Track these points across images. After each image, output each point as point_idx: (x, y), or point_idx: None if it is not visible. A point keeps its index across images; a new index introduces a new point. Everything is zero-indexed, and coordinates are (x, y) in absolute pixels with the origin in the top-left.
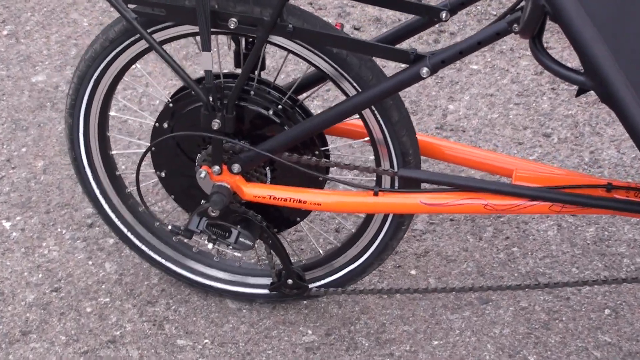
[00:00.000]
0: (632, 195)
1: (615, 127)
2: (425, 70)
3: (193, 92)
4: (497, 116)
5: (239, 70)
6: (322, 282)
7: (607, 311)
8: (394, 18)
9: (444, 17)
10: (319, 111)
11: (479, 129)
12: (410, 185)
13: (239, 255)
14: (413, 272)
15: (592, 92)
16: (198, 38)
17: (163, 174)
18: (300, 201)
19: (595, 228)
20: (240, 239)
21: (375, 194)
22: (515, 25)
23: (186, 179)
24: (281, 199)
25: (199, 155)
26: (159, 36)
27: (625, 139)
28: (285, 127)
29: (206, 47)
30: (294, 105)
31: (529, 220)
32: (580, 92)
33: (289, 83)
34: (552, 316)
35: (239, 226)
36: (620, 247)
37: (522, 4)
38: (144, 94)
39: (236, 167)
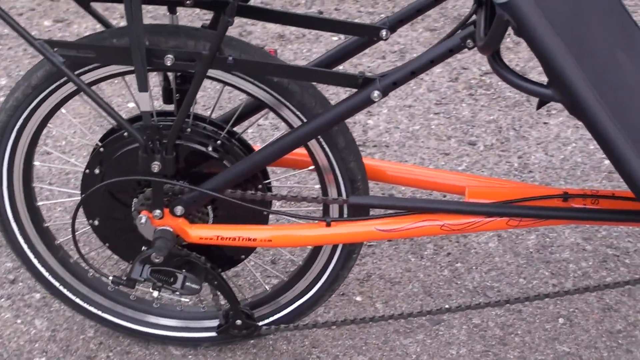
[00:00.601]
0: (588, 202)
1: (539, 129)
2: (376, 93)
3: (126, 134)
4: (419, 128)
5: (169, 107)
6: (272, 318)
7: (561, 320)
8: (298, 34)
9: (384, 35)
10: (256, 138)
11: (403, 142)
12: (360, 212)
13: (187, 300)
14: (358, 298)
15: (509, 94)
16: (128, 77)
17: (96, 222)
18: (250, 239)
19: (536, 235)
20: (187, 283)
21: (328, 225)
22: (469, 41)
23: (122, 226)
24: (229, 238)
25: (135, 200)
26: (86, 78)
27: (552, 141)
28: (225, 162)
29: (143, 87)
30: (233, 139)
31: (468, 234)
32: (540, 105)
33: (223, 116)
34: (507, 331)
35: (183, 270)
36: (564, 253)
37: (473, 18)
38: (67, 139)
39: (179, 210)
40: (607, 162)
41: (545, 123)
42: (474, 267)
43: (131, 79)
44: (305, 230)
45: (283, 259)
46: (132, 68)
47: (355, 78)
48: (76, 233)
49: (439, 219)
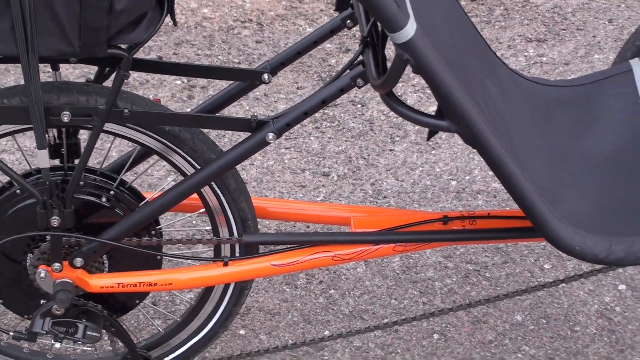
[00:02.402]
0: (467, 223)
1: (387, 156)
2: (271, 135)
3: (19, 192)
4: (273, 163)
5: (56, 162)
6: (167, 358)
7: (435, 336)
8: (141, 79)
9: (266, 79)
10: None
11: (260, 178)
12: (251, 250)
13: (91, 348)
14: (242, 332)
15: (353, 125)
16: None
17: None
18: (150, 284)
19: (400, 258)
20: (88, 332)
21: (226, 264)
22: (359, 80)
23: (15, 282)
24: (130, 284)
25: (30, 255)
26: None
27: (400, 166)
28: (117, 211)
29: (42, 144)
30: (124, 188)
31: None
32: (431, 135)
33: (112, 165)
34: (387, 350)
35: (83, 320)
36: (428, 272)
37: (360, 58)
38: None
39: (79, 261)
40: (454, 183)
41: (391, 150)
42: (347, 293)
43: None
44: (204, 271)
45: (163, 299)
46: (24, 127)
47: (249, 122)
48: None
49: (329, 250)
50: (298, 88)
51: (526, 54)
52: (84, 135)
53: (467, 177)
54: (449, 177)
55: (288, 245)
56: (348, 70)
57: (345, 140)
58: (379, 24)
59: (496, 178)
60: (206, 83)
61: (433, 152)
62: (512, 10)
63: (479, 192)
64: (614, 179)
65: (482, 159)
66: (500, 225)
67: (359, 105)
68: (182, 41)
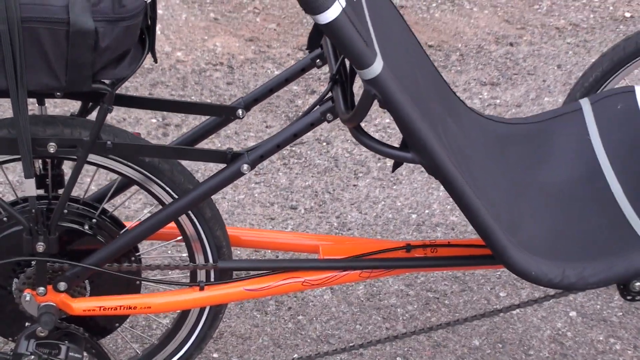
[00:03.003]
0: (428, 252)
1: (351, 190)
2: (245, 166)
3: (6, 219)
4: (244, 197)
5: (40, 192)
6: None
7: (398, 359)
8: (119, 118)
9: (240, 114)
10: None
11: (232, 211)
12: (225, 276)
13: None
14: (215, 355)
15: (319, 162)
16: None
17: None
18: (130, 307)
19: (364, 286)
20: (70, 353)
21: (202, 289)
22: (329, 115)
23: (0, 305)
24: (111, 308)
25: (15, 280)
26: None
27: (363, 200)
28: (99, 238)
29: (29, 174)
30: (105, 216)
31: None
32: (395, 167)
33: (94, 195)
34: None
35: (66, 341)
36: (391, 299)
37: (329, 95)
38: None
39: (62, 285)
40: (414, 216)
41: (354, 185)
42: (314, 318)
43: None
44: (181, 295)
45: (140, 324)
46: (11, 157)
47: (225, 154)
48: None
49: (299, 276)
50: (267, 127)
51: (481, 96)
52: (67, 165)
53: (427, 211)
54: (410, 211)
55: (261, 272)
56: (318, 106)
57: (312, 176)
58: (347, 61)
59: (454, 211)
60: (180, 121)
61: (394, 187)
62: (467, 55)
63: (437, 224)
64: (567, 209)
65: (440, 194)
66: (460, 253)
67: (324, 143)
68: (157, 82)
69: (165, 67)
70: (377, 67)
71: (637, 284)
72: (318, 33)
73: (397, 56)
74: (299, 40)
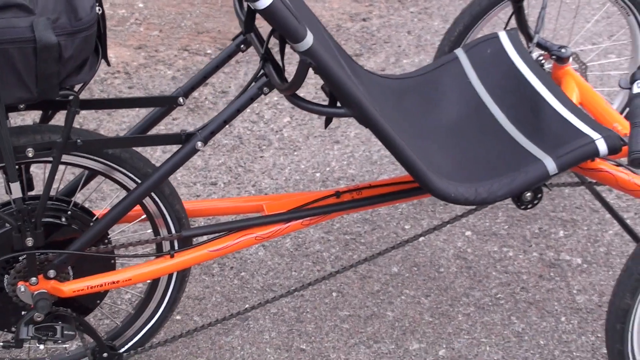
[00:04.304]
0: (355, 195)
1: (259, 162)
2: (199, 143)
3: None
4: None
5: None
6: (128, 345)
7: (334, 294)
8: None
9: (181, 102)
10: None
11: None
12: (187, 243)
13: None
14: (178, 317)
15: (226, 142)
16: None
17: None
18: (114, 282)
19: (290, 238)
20: (65, 331)
21: (172, 257)
22: (265, 88)
23: None
24: (97, 285)
25: (6, 276)
26: None
27: (272, 168)
28: (74, 227)
29: (14, 178)
30: (77, 207)
31: (242, 250)
32: (327, 123)
33: (63, 190)
34: (299, 312)
35: (59, 322)
36: (315, 246)
37: (262, 72)
38: None
39: (52, 273)
40: (318, 174)
41: (261, 157)
42: (254, 273)
43: None
44: (156, 264)
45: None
46: None
47: (179, 136)
48: None
49: (252, 232)
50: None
51: None
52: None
53: (327, 168)
54: (313, 171)
55: (219, 234)
56: (254, 82)
57: (223, 155)
58: (278, 40)
59: (351, 165)
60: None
61: (295, 153)
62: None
63: (339, 178)
64: (465, 140)
65: (335, 153)
66: (382, 192)
67: (227, 126)
68: None
69: None
70: (309, 39)
71: (528, 194)
72: (251, 18)
73: (315, 30)
74: (181, 42)
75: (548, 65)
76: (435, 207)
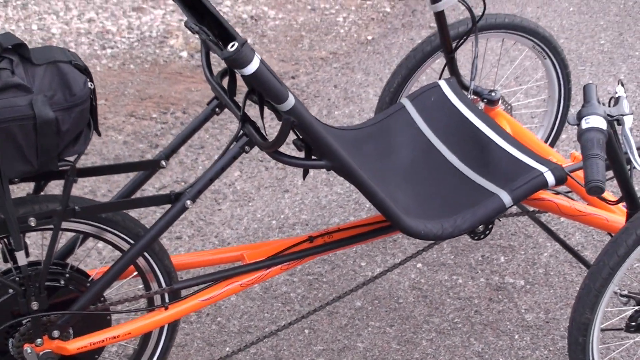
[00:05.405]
0: (327, 238)
1: (218, 214)
2: (189, 202)
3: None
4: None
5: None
6: None
7: (306, 331)
8: None
9: (164, 164)
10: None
11: None
12: (177, 294)
13: None
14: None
15: None
16: None
17: None
18: (114, 337)
19: (261, 285)
20: None
21: (166, 308)
22: (247, 147)
23: None
24: (99, 341)
25: (11, 340)
26: None
27: (230, 219)
28: (71, 288)
29: (19, 247)
30: (72, 270)
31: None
32: (305, 174)
33: (57, 254)
34: (276, 350)
35: None
36: (282, 288)
37: (242, 132)
38: None
39: (56, 333)
40: (274, 222)
41: (219, 209)
42: (230, 317)
43: None
44: (153, 317)
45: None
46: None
47: (169, 196)
48: None
49: (237, 280)
50: None
51: None
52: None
53: (282, 216)
54: (269, 219)
55: (206, 284)
56: (235, 142)
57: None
58: (257, 104)
59: (303, 211)
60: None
61: (250, 204)
62: None
63: (294, 224)
64: (420, 180)
65: (287, 201)
66: (351, 234)
67: (183, 183)
68: None
69: None
70: (291, 99)
71: (481, 226)
72: (233, 83)
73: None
74: (127, 108)
75: (480, 108)
76: (386, 244)
